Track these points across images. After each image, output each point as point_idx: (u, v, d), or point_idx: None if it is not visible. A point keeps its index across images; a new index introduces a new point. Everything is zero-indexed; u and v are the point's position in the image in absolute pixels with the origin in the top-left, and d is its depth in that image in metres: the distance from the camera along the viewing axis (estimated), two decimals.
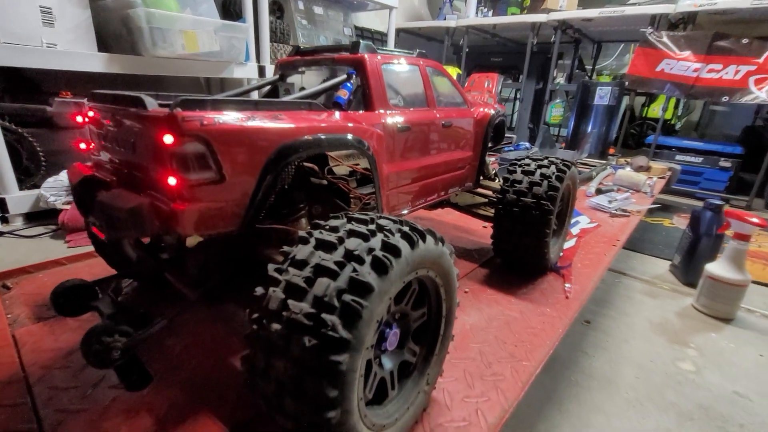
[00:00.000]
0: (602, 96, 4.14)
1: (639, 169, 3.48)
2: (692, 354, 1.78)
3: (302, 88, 1.40)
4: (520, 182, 1.48)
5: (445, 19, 5.78)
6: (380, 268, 0.65)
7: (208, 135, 0.73)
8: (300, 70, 1.38)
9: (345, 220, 0.75)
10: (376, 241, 0.68)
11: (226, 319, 1.25)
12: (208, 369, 1.03)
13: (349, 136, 0.98)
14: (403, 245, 0.68)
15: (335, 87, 1.12)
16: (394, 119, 1.15)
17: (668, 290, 2.36)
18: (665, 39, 4.18)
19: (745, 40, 3.87)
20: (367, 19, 5.56)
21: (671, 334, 1.92)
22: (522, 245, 1.49)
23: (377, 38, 5.82)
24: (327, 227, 0.74)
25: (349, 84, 1.10)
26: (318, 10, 4.52)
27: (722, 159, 4.29)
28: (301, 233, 0.74)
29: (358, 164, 1.20)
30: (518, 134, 5.53)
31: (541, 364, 1.10)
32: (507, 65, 5.71)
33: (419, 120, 1.25)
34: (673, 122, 6.06)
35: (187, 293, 0.97)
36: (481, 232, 2.14)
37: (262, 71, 3.65)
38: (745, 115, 5.32)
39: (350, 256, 0.65)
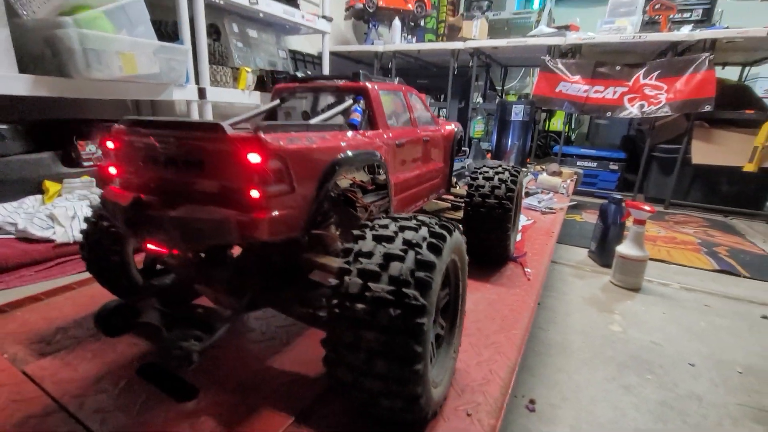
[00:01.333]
0: (517, 113, 4.79)
1: (553, 174, 4.09)
2: (617, 318, 2.21)
3: (305, 112, 1.53)
4: (482, 187, 1.76)
5: (372, 43, 6.16)
6: (435, 249, 0.83)
7: (285, 153, 0.86)
8: (300, 95, 1.51)
9: (390, 220, 0.92)
10: (424, 232, 0.86)
11: (258, 324, 1.31)
12: (252, 371, 1.09)
13: (374, 152, 1.15)
14: (444, 233, 0.88)
15: (346, 110, 1.28)
16: (393, 137, 1.35)
17: (590, 271, 2.85)
18: (560, 65, 5.00)
19: (618, 67, 4.81)
20: (298, 43, 5.70)
21: (599, 305, 2.36)
22: (489, 240, 1.77)
23: (309, 60, 5.99)
24: (377, 226, 0.90)
25: (359, 108, 1.27)
26: (252, 33, 4.57)
27: (611, 163, 5.21)
28: (356, 232, 0.89)
29: (354, 177, 1.37)
30: None
31: (527, 330, 1.35)
32: (432, 86, 6.25)
33: (409, 137, 1.47)
34: (569, 134, 7.13)
35: (230, 303, 1.03)
36: None
37: (202, 93, 3.60)
38: (622, 126, 6.49)
39: (410, 243, 0.82)
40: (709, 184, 4.70)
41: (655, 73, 4.59)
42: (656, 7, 4.85)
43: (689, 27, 4.63)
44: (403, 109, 1.54)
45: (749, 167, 4.30)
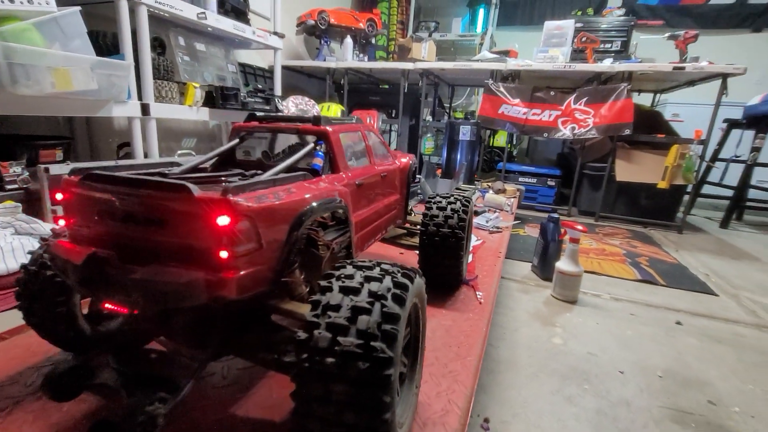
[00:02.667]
0: (465, 133, 5.05)
1: (498, 191, 4.36)
2: (559, 331, 2.41)
3: (265, 152, 1.53)
4: (437, 216, 1.86)
5: (324, 59, 6.19)
6: (400, 301, 0.88)
7: (253, 213, 0.87)
8: (259, 135, 1.50)
9: (354, 269, 0.96)
10: (388, 282, 0.92)
11: (219, 367, 1.28)
12: (215, 420, 1.07)
13: (336, 197, 1.19)
14: (407, 282, 0.94)
15: (308, 153, 1.31)
16: (353, 176, 1.39)
17: (534, 285, 3.07)
18: (502, 89, 5.36)
19: (552, 92, 5.25)
20: (248, 56, 5.60)
21: (543, 318, 2.55)
22: (443, 266, 1.87)
23: (260, 74, 5.89)
24: (343, 276, 0.94)
25: (320, 153, 1.30)
26: (200, 46, 4.42)
27: (549, 179, 5.64)
28: (323, 283, 0.92)
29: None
30: None
31: (480, 357, 1.45)
32: (384, 104, 6.40)
33: (367, 174, 1.52)
34: (511, 150, 7.61)
35: (192, 354, 1.01)
36: (400, 258, 2.48)
37: (145, 109, 3.42)
38: (557, 143, 7.05)
39: (375, 295, 0.87)
40: (631, 198, 5.25)
41: (584, 99, 5.07)
42: (582, 39, 5.38)
43: (610, 59, 5.18)
44: (362, 147, 1.60)
45: (662, 184, 4.87)
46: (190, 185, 0.80)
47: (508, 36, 8.51)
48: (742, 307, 2.92)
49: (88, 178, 0.91)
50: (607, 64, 4.97)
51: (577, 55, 5.47)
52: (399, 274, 0.95)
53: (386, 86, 7.23)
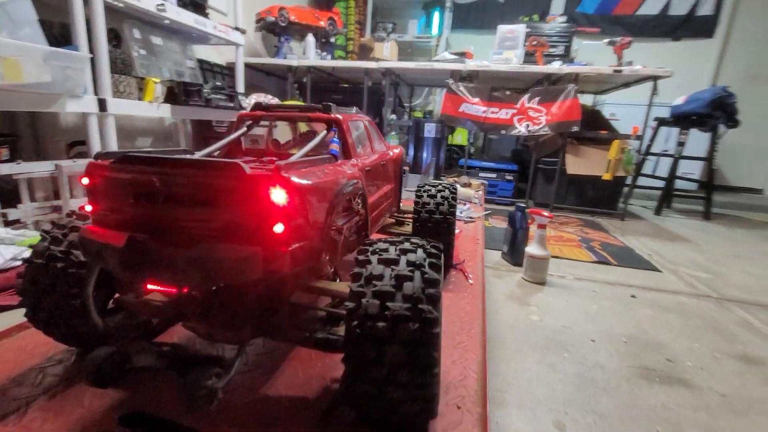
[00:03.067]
0: (430, 131, 5.23)
1: (465, 185, 4.57)
2: (534, 309, 2.61)
3: (275, 141, 1.53)
4: (428, 204, 1.96)
5: (285, 57, 6.11)
6: (436, 268, 0.96)
7: (303, 189, 0.90)
8: (268, 124, 1.50)
9: (386, 243, 1.02)
10: (422, 253, 0.99)
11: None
12: (247, 403, 1.08)
13: (357, 180, 1.24)
14: (438, 251, 1.02)
15: (322, 142, 1.34)
16: (363, 164, 1.45)
17: (506, 271, 3.28)
18: (461, 88, 5.61)
19: (507, 92, 5.58)
20: (204, 53, 5.39)
21: (518, 299, 2.75)
22: None
23: (218, 71, 5.70)
24: (378, 249, 0.99)
25: (336, 139, 1.34)
26: (156, 40, 4.21)
27: (507, 174, 5.99)
28: (360, 257, 0.98)
29: None
30: None
31: (484, 329, 1.57)
32: (346, 102, 6.42)
33: (372, 162, 1.58)
34: (469, 148, 7.95)
35: (227, 337, 1.01)
36: None
37: (102, 105, 3.22)
38: (510, 140, 7.48)
39: (414, 264, 0.94)
40: (580, 190, 5.72)
41: (536, 99, 5.45)
42: (533, 43, 5.78)
43: (559, 61, 5.61)
44: (365, 135, 1.66)
45: (606, 176, 5.37)
46: (240, 162, 0.82)
47: (462, 38, 8.87)
48: (682, 280, 3.32)
49: (124, 160, 0.90)
50: (556, 66, 5.38)
51: (529, 57, 5.87)
52: (429, 246, 1.03)
53: (346, 85, 7.27)
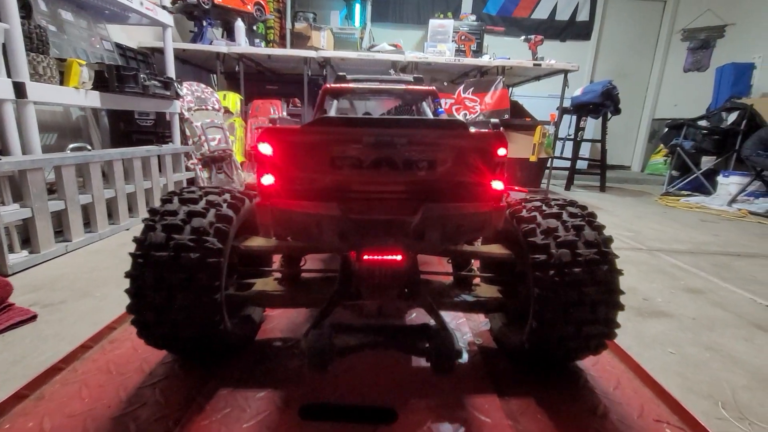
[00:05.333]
0: None
1: None
2: None
3: (367, 114, 1.43)
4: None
5: (211, 43, 5.58)
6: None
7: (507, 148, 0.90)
8: (352, 97, 1.39)
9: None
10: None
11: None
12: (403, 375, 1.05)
13: None
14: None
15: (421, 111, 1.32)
16: None
17: None
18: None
19: (445, 83, 5.93)
20: (116, 33, 4.65)
21: None
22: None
23: (132, 57, 4.96)
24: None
25: (442, 110, 1.33)
26: (66, 15, 3.53)
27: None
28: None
29: None
30: None
31: None
32: (284, 92, 6.13)
33: None
34: None
35: (398, 308, 0.97)
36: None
37: (20, 90, 2.62)
38: None
39: (577, 215, 1.03)
40: (511, 171, 6.38)
41: (470, 89, 5.89)
42: (462, 38, 6.22)
43: (487, 56, 6.14)
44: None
45: (532, 158, 6.07)
46: (464, 121, 0.81)
47: (382, 32, 9.07)
48: (617, 239, 3.97)
49: (324, 122, 0.80)
50: (486, 60, 5.88)
51: (458, 51, 6.30)
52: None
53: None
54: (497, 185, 0.88)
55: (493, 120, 0.88)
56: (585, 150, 8.38)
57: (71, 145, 3.07)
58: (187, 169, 4.78)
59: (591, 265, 0.94)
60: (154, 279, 0.89)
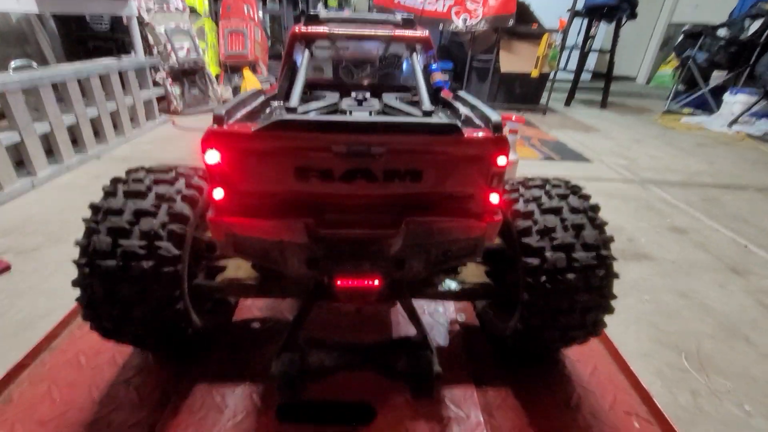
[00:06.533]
0: None
1: None
2: None
3: (345, 68, 1.19)
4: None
5: None
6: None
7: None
8: (327, 45, 1.13)
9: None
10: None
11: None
12: None
13: None
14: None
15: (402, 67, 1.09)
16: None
17: None
18: None
19: None
20: None
21: None
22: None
23: None
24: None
25: (435, 66, 1.10)
26: None
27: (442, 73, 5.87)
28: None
29: None
30: None
31: None
32: None
33: None
34: None
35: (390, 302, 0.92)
36: None
37: None
38: (436, 34, 7.15)
39: (579, 210, 0.93)
40: (509, 88, 5.95)
41: None
42: None
43: None
44: None
45: (534, 73, 5.62)
46: (457, 122, 0.65)
47: None
48: (611, 168, 3.89)
49: (281, 126, 0.63)
50: None
51: None
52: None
53: None
54: (494, 198, 0.76)
55: (494, 118, 0.71)
56: (590, 62, 7.77)
57: (13, 64, 2.68)
58: (156, 84, 4.33)
59: (587, 271, 0.87)
60: (104, 292, 0.80)
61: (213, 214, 0.72)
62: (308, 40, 1.12)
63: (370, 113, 1.02)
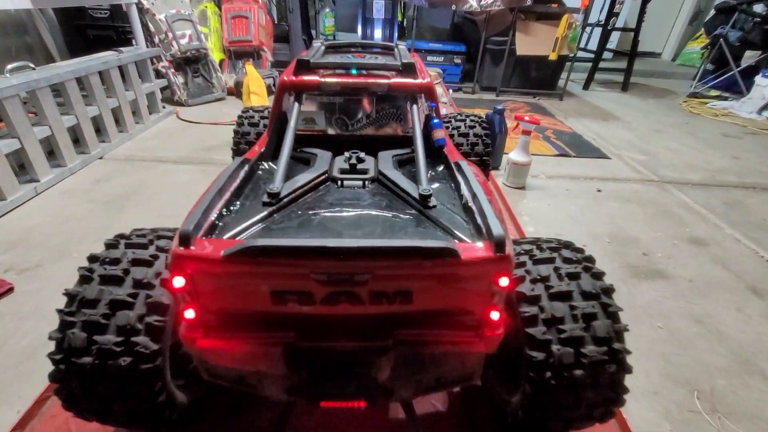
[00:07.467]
0: (378, 10, 4.46)
1: None
2: (527, 219, 2.76)
3: (340, 119, 1.09)
4: (461, 145, 1.76)
5: None
6: (610, 291, 0.88)
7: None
8: (317, 96, 1.03)
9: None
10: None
11: None
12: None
13: None
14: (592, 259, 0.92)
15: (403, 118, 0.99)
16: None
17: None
18: None
19: None
20: None
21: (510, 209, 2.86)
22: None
23: None
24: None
25: (437, 121, 1.00)
26: None
27: (455, 57, 5.61)
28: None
29: None
30: (294, 47, 5.31)
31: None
32: None
33: None
34: (402, 22, 7.10)
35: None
36: None
37: None
38: (442, 14, 6.74)
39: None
40: (525, 71, 5.67)
41: None
42: None
43: None
44: None
45: (552, 56, 5.33)
46: (454, 246, 0.58)
47: None
48: (628, 166, 3.72)
49: (252, 253, 0.57)
50: None
51: None
52: (583, 255, 0.94)
53: None
54: (494, 316, 0.69)
55: (496, 232, 0.63)
56: (612, 40, 7.31)
57: (9, 66, 2.61)
58: (158, 74, 4.22)
59: (596, 368, 0.81)
60: (81, 387, 0.77)
61: (185, 331, 0.67)
62: (297, 91, 1.02)
63: (363, 184, 0.93)
